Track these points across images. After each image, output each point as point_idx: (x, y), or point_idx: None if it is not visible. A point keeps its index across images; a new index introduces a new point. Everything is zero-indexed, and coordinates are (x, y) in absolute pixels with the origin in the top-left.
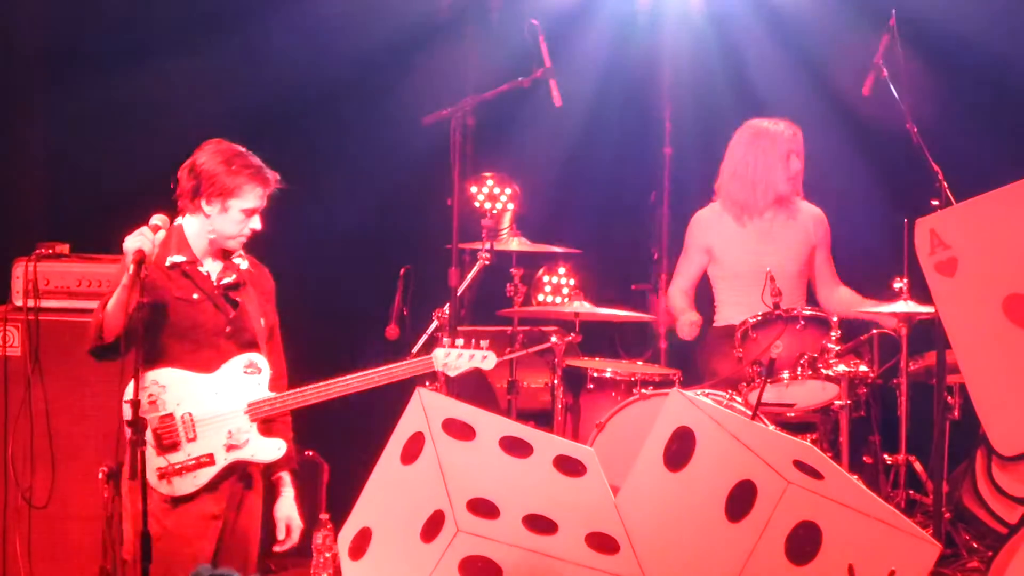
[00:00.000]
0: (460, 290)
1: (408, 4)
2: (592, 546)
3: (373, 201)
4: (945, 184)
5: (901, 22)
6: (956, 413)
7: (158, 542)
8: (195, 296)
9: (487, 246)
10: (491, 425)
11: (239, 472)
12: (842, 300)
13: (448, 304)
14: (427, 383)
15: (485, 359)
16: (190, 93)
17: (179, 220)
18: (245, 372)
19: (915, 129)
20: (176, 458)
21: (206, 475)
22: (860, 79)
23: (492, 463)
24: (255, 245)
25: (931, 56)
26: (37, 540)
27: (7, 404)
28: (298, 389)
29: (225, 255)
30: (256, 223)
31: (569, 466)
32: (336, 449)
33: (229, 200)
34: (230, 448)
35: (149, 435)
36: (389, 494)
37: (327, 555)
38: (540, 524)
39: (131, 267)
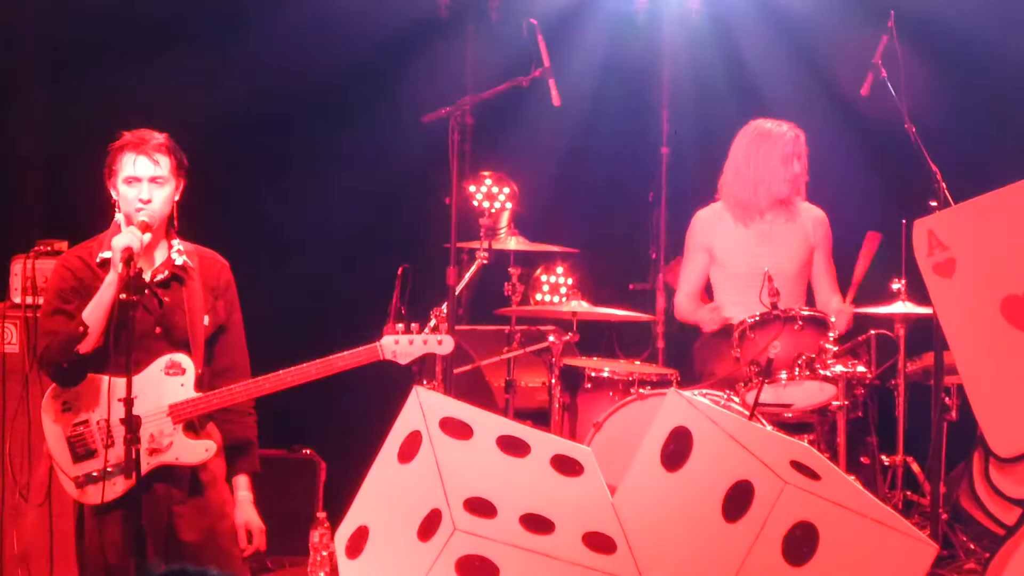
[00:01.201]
0: (458, 289)
1: (407, 2)
2: (589, 546)
3: (371, 199)
4: (943, 185)
5: (901, 22)
6: (954, 414)
7: (90, 552)
8: (123, 296)
9: (485, 245)
10: (488, 424)
11: (176, 475)
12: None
13: (446, 303)
14: (424, 382)
15: (441, 344)
16: (189, 90)
17: (116, 216)
18: (167, 373)
19: (913, 129)
20: (94, 466)
21: (126, 481)
22: (859, 79)
23: (489, 462)
24: (243, 240)
25: (930, 56)
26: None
27: (5, 401)
28: (226, 388)
29: (168, 249)
30: (143, 193)
31: (566, 466)
32: (333, 447)
33: (115, 177)
34: (152, 452)
35: (62, 444)
36: (386, 493)
37: (324, 553)
38: (537, 523)
39: (119, 265)
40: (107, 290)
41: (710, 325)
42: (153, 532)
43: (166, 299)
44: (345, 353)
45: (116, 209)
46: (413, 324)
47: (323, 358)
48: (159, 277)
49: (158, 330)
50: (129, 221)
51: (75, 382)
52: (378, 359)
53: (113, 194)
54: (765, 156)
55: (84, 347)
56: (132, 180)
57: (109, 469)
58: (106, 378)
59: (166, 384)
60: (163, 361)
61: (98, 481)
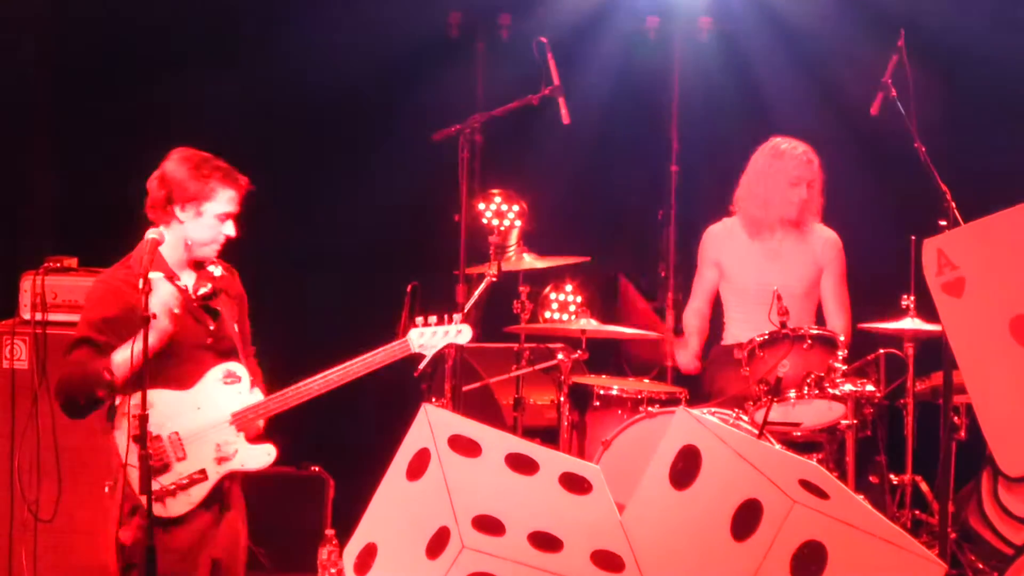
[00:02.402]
0: (467, 307)
1: (418, 21)
2: (597, 564)
3: (381, 217)
4: (953, 204)
5: (911, 42)
6: (963, 433)
7: (163, 563)
8: (175, 311)
9: (494, 263)
10: (497, 442)
11: (223, 488)
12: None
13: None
14: (433, 399)
15: (460, 333)
16: (199, 108)
17: (150, 233)
18: (225, 383)
19: (923, 148)
20: (168, 479)
21: (200, 492)
22: (869, 98)
23: (498, 480)
24: (256, 257)
25: (941, 76)
26: (43, 553)
27: (14, 417)
28: (280, 392)
29: (197, 265)
30: (230, 229)
31: (575, 483)
32: (342, 465)
33: (203, 205)
34: (220, 460)
35: (134, 460)
36: (394, 510)
37: (332, 571)
38: (545, 541)
39: (165, 322)
40: (141, 343)
41: (679, 359)
42: (214, 542)
43: (218, 308)
44: (380, 349)
45: (160, 223)
46: (431, 317)
47: (360, 356)
48: (202, 291)
49: (209, 341)
50: (190, 251)
51: (82, 416)
52: (410, 353)
53: (177, 211)
54: (775, 176)
55: (105, 395)
56: (226, 216)
57: (184, 481)
58: (173, 392)
59: (225, 393)
60: (220, 371)
61: (175, 493)
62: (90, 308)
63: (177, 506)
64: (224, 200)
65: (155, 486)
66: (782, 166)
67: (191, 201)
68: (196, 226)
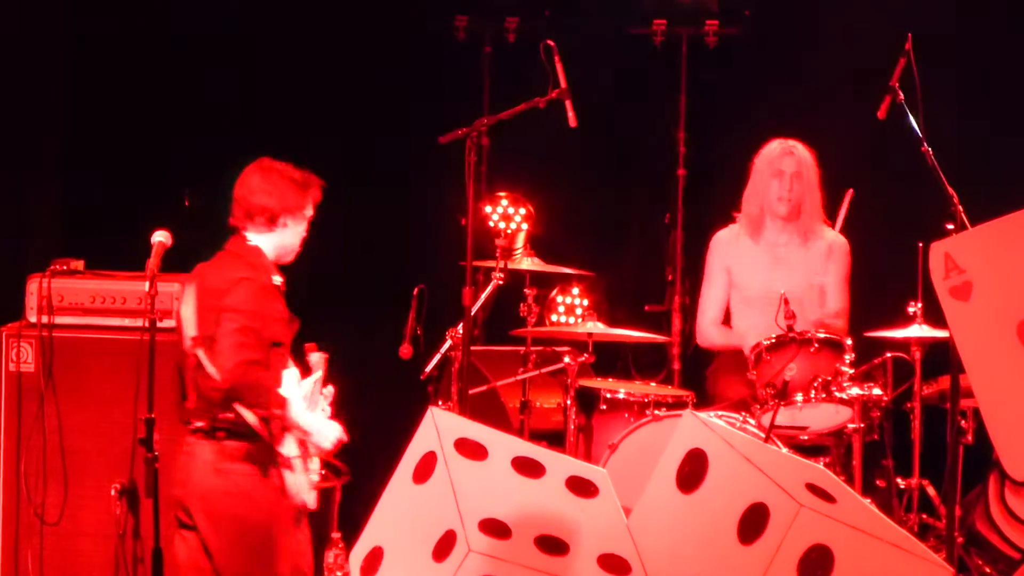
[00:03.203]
0: (474, 310)
1: (425, 24)
2: (604, 568)
3: (388, 220)
4: (960, 208)
5: (919, 46)
6: (970, 437)
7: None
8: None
9: (501, 265)
10: (503, 445)
11: None
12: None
13: (461, 324)
14: (440, 402)
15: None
16: (203, 110)
17: (252, 241)
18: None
19: (930, 152)
20: (312, 470)
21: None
22: (876, 102)
23: (504, 483)
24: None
25: (948, 79)
26: (49, 557)
27: (20, 420)
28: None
29: None
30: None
31: (581, 487)
32: (348, 467)
33: (303, 214)
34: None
35: (298, 451)
36: (401, 513)
37: (339, 574)
38: (552, 545)
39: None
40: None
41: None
42: None
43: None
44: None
45: (250, 230)
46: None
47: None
48: None
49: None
50: (283, 257)
51: None
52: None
53: (288, 221)
54: (761, 172)
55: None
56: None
57: (313, 475)
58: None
59: (298, 391)
60: (295, 373)
61: (312, 485)
62: (251, 299)
63: (312, 498)
64: (311, 207)
65: (303, 478)
66: (766, 161)
67: (298, 211)
68: (294, 234)
